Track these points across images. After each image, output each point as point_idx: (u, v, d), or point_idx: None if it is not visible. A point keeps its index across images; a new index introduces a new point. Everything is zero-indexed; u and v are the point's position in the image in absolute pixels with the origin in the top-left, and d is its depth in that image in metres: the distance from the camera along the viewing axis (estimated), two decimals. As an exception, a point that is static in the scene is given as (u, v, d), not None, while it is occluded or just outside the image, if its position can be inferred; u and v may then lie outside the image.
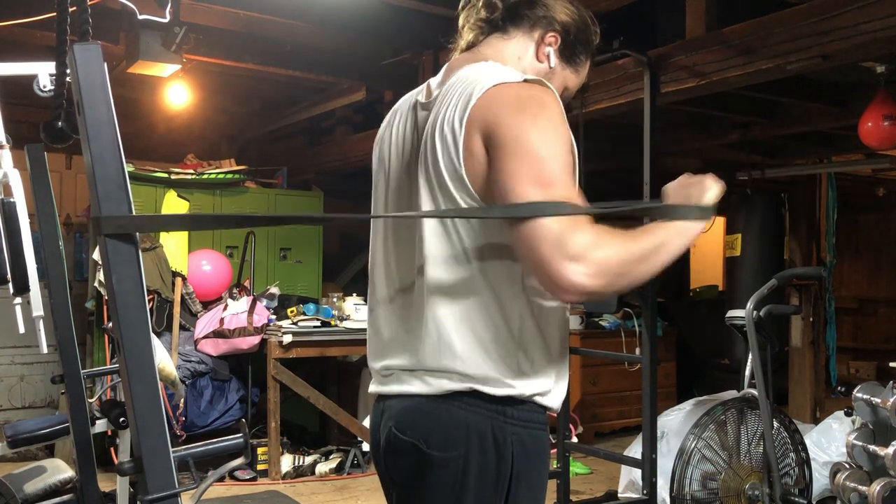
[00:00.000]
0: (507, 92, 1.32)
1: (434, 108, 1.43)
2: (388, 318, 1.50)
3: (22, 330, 2.28)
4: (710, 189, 1.37)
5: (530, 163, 1.25)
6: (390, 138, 1.55)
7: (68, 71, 1.34)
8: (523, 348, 1.37)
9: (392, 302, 1.49)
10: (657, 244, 1.27)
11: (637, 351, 5.48)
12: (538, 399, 1.39)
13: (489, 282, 1.35)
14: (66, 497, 2.73)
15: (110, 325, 4.25)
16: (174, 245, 5.18)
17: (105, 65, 1.04)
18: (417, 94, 1.54)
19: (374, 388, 1.52)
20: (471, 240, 1.36)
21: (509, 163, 1.26)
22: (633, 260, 1.23)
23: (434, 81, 1.52)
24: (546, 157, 1.26)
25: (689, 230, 1.30)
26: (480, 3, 1.53)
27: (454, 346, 1.35)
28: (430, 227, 1.39)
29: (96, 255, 4.82)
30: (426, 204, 1.39)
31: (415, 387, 1.39)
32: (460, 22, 1.57)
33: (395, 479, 1.46)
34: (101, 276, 4.78)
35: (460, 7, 1.58)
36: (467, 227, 1.36)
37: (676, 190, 1.41)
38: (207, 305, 5.30)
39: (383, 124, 1.60)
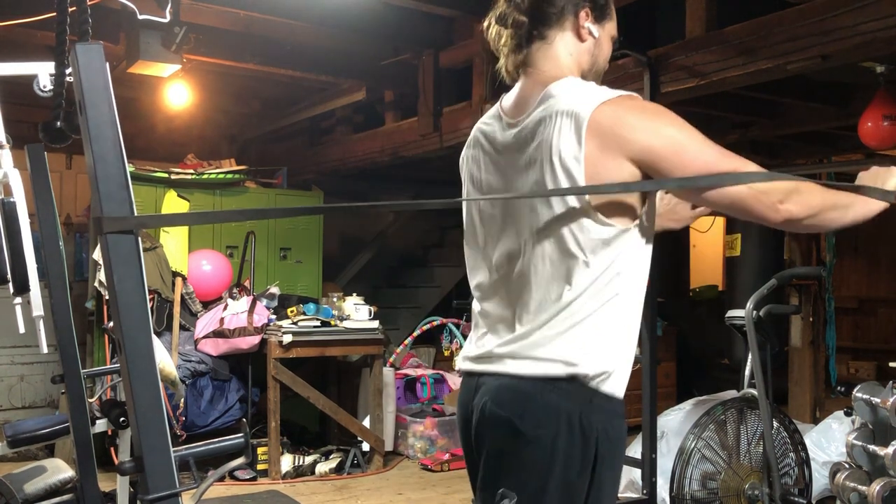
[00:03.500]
0: (624, 110, 1.42)
1: (535, 134, 1.48)
2: (489, 305, 1.60)
3: (22, 330, 2.27)
4: (895, 176, 1.57)
5: (700, 148, 1.41)
6: (480, 166, 1.62)
7: (68, 71, 1.34)
8: (610, 336, 1.48)
9: (494, 289, 1.60)
10: (847, 202, 1.51)
11: (637, 351, 5.47)
12: (611, 385, 1.48)
13: (589, 272, 1.45)
14: (66, 497, 2.73)
15: (111, 324, 4.25)
16: (174, 245, 5.18)
17: (107, 65, 1.04)
18: (494, 121, 1.60)
19: (467, 366, 1.62)
20: (582, 235, 1.43)
21: (683, 158, 1.40)
22: (828, 205, 1.47)
23: (508, 105, 1.58)
24: (703, 139, 1.42)
25: (872, 204, 1.53)
26: (510, 21, 1.55)
27: (553, 334, 1.46)
28: (538, 219, 1.47)
29: (96, 255, 4.81)
30: (546, 184, 1.45)
31: (511, 367, 1.50)
32: (493, 46, 1.61)
33: (483, 450, 1.55)
34: (101, 276, 4.78)
35: (486, 30, 1.62)
36: (579, 223, 1.43)
37: (867, 175, 1.60)
38: (207, 305, 5.29)
39: (468, 153, 1.68)
